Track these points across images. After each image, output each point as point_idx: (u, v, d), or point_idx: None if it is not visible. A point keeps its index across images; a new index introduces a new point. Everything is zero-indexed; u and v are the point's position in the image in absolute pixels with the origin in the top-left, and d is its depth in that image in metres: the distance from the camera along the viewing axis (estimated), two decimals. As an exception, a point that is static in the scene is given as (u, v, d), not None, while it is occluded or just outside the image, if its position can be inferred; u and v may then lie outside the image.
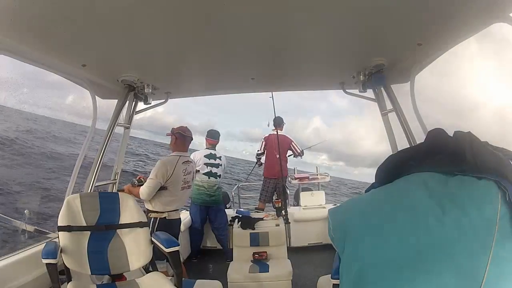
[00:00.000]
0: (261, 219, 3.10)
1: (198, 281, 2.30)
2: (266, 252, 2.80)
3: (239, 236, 2.90)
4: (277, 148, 3.97)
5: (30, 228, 1.98)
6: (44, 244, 1.75)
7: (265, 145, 4.49)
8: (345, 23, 1.57)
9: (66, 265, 1.74)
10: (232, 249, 2.94)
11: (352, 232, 0.65)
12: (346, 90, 2.61)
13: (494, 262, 0.48)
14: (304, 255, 3.71)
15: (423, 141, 0.69)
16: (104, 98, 2.53)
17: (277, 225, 3.01)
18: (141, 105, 2.66)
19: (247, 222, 2.99)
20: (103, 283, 1.99)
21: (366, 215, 0.65)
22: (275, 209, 3.46)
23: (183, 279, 1.86)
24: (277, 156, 4.01)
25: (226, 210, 4.06)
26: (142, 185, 2.50)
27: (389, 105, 2.36)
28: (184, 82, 2.65)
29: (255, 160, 4.76)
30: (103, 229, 1.91)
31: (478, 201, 0.54)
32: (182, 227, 3.24)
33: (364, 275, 0.58)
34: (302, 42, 1.82)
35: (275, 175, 4.28)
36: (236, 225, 3.05)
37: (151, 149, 30.60)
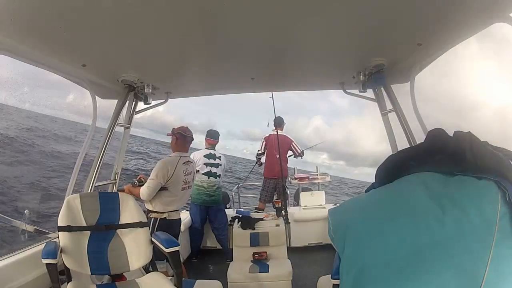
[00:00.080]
0: (261, 219, 3.10)
1: (198, 281, 2.30)
2: (266, 252, 2.80)
3: (239, 236, 2.90)
4: (277, 148, 3.96)
5: (30, 228, 1.98)
6: (44, 244, 1.75)
7: (265, 145, 4.49)
8: (345, 23, 1.57)
9: (66, 265, 1.73)
10: (232, 249, 2.95)
11: (352, 232, 0.65)
12: (346, 90, 2.61)
13: (494, 262, 0.48)
14: (304, 255, 3.71)
15: (423, 141, 0.69)
16: (104, 98, 2.53)
17: (277, 225, 3.01)
18: (141, 105, 2.66)
19: (247, 222, 2.99)
20: (103, 283, 1.99)
21: (366, 215, 0.65)
22: (275, 209, 3.46)
23: (183, 279, 1.86)
24: (277, 156, 4.01)
25: (226, 210, 4.05)
26: (142, 185, 2.50)
27: (389, 105, 2.36)
28: (184, 82, 2.64)
29: (255, 159, 4.75)
30: (103, 229, 1.90)
31: (478, 201, 0.54)
32: (182, 227, 3.23)
33: (364, 275, 0.58)
34: (302, 42, 1.82)
35: (275, 175, 4.27)
36: (236, 225, 3.05)
37: (151, 148, 30.57)
